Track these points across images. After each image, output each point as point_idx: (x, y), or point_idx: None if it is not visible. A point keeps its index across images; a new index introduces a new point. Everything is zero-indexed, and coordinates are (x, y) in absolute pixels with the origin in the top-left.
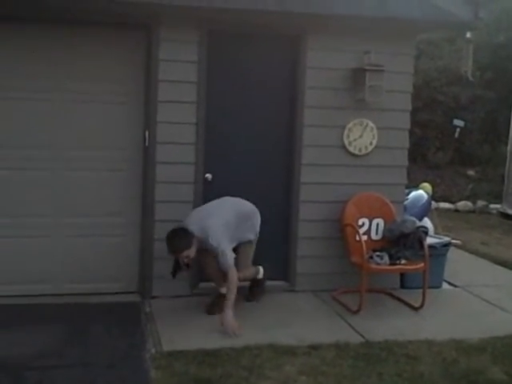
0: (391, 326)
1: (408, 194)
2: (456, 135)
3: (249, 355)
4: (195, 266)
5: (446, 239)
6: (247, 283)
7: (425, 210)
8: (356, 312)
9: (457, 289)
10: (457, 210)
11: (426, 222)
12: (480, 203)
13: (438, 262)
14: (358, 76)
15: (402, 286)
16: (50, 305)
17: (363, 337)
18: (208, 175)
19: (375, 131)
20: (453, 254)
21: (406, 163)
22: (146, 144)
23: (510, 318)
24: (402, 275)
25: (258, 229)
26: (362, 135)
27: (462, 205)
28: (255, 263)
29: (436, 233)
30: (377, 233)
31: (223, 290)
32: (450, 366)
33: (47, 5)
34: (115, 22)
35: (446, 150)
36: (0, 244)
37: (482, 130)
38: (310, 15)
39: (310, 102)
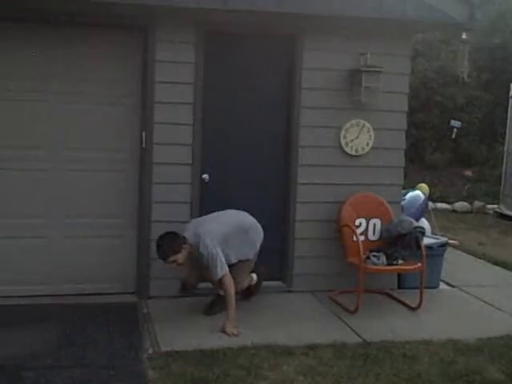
0: (388, 326)
1: (405, 194)
2: (453, 136)
3: (246, 355)
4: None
5: (443, 239)
6: None
7: (422, 211)
8: (353, 312)
9: (454, 289)
10: (454, 211)
11: (423, 223)
12: (477, 204)
13: (435, 262)
14: (354, 77)
15: (400, 286)
16: (47, 305)
17: (360, 337)
18: (205, 176)
19: (372, 132)
20: (450, 255)
21: (403, 164)
22: (143, 145)
23: (507, 317)
24: (400, 275)
25: (258, 246)
26: (358, 136)
27: (459, 205)
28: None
29: (433, 233)
30: (374, 233)
31: (221, 292)
32: (447, 365)
33: (44, 6)
34: (112, 24)
35: (443, 151)
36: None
37: (479, 131)
38: (307, 16)
39: (306, 103)
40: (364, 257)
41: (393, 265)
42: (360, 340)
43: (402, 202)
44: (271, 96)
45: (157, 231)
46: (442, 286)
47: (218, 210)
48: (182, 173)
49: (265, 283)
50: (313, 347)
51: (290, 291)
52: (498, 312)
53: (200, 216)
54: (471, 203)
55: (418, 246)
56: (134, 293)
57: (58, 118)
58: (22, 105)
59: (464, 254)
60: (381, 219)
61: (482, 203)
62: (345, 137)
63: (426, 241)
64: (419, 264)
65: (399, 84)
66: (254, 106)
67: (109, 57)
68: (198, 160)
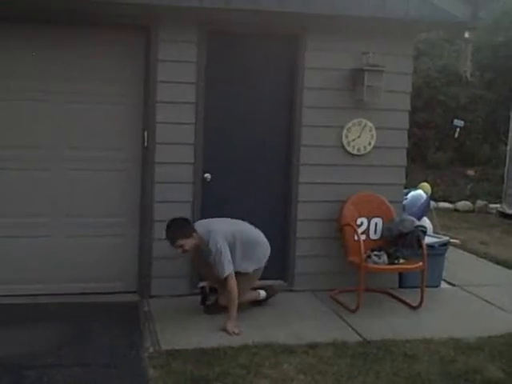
0: (389, 324)
1: (407, 193)
2: (456, 135)
3: (247, 354)
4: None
5: (445, 239)
6: None
7: (423, 210)
8: (354, 311)
9: (455, 288)
10: (456, 210)
11: (425, 222)
12: (479, 203)
13: (436, 261)
14: (356, 76)
15: (401, 286)
16: (49, 304)
17: (361, 336)
18: (207, 175)
19: (374, 131)
20: (452, 254)
21: (405, 163)
22: (145, 144)
23: (508, 316)
24: (401, 274)
25: (262, 264)
26: (360, 135)
27: (462, 204)
28: None
29: (435, 232)
30: (375, 232)
31: (222, 301)
32: (447, 364)
33: (46, 6)
34: (114, 23)
35: (445, 150)
36: (1, 244)
37: (481, 130)
38: (309, 15)
39: (308, 102)
40: (365, 256)
41: (394, 264)
42: (360, 339)
43: (404, 202)
44: (273, 95)
45: (159, 230)
46: (444, 285)
47: (220, 210)
48: (184, 172)
49: (266, 282)
50: (313, 346)
51: (291, 290)
52: (499, 311)
53: (201, 215)
54: (474, 202)
55: (420, 245)
56: (135, 292)
57: (61, 118)
58: (23, 105)
59: (466, 253)
60: (382, 218)
61: (485, 202)
62: (347, 136)
63: (428, 240)
64: (420, 263)
65: (401, 83)
66: (256, 105)
67: (111, 56)
68: (200, 159)
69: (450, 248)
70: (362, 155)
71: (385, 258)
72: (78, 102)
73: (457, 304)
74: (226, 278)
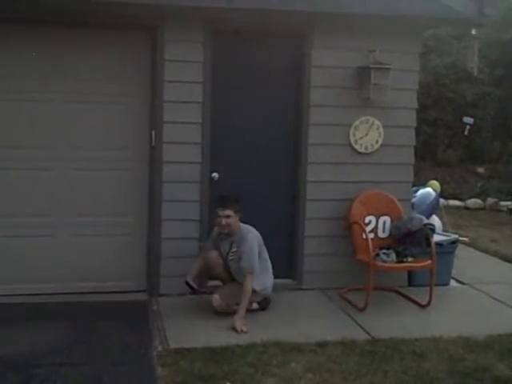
0: (398, 323)
1: (416, 191)
2: (466, 132)
3: (255, 352)
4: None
5: (454, 237)
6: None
7: (432, 208)
8: (362, 309)
9: (464, 286)
10: (467, 208)
11: (434, 220)
12: (490, 200)
13: (445, 259)
14: (363, 74)
15: (410, 284)
16: (58, 303)
17: (369, 334)
18: (214, 174)
19: (381, 129)
20: (462, 252)
21: (413, 161)
22: (153, 144)
23: None
24: (410, 273)
25: (260, 288)
26: (367, 133)
27: (472, 202)
28: None
29: (445, 230)
30: (383, 230)
31: (215, 302)
32: (456, 363)
33: (53, 7)
34: (121, 24)
35: (455, 148)
36: (15, 243)
37: (491, 127)
38: (316, 14)
39: (315, 101)
40: (373, 254)
41: (402, 262)
42: (369, 337)
43: (413, 200)
44: (280, 94)
45: (167, 230)
46: (453, 283)
47: None
48: (192, 171)
49: (275, 281)
50: (322, 344)
51: (299, 289)
52: (508, 309)
53: (209, 215)
54: (484, 200)
55: (428, 244)
56: (144, 291)
57: (69, 118)
58: (31, 105)
59: (476, 251)
60: (390, 216)
61: (495, 200)
62: (354, 134)
63: (437, 238)
64: (429, 261)
65: (408, 81)
66: (262, 104)
67: (118, 57)
68: (207, 159)
69: (460, 246)
70: (370, 153)
71: (393, 256)
72: (86, 101)
73: (466, 302)
74: (246, 274)
